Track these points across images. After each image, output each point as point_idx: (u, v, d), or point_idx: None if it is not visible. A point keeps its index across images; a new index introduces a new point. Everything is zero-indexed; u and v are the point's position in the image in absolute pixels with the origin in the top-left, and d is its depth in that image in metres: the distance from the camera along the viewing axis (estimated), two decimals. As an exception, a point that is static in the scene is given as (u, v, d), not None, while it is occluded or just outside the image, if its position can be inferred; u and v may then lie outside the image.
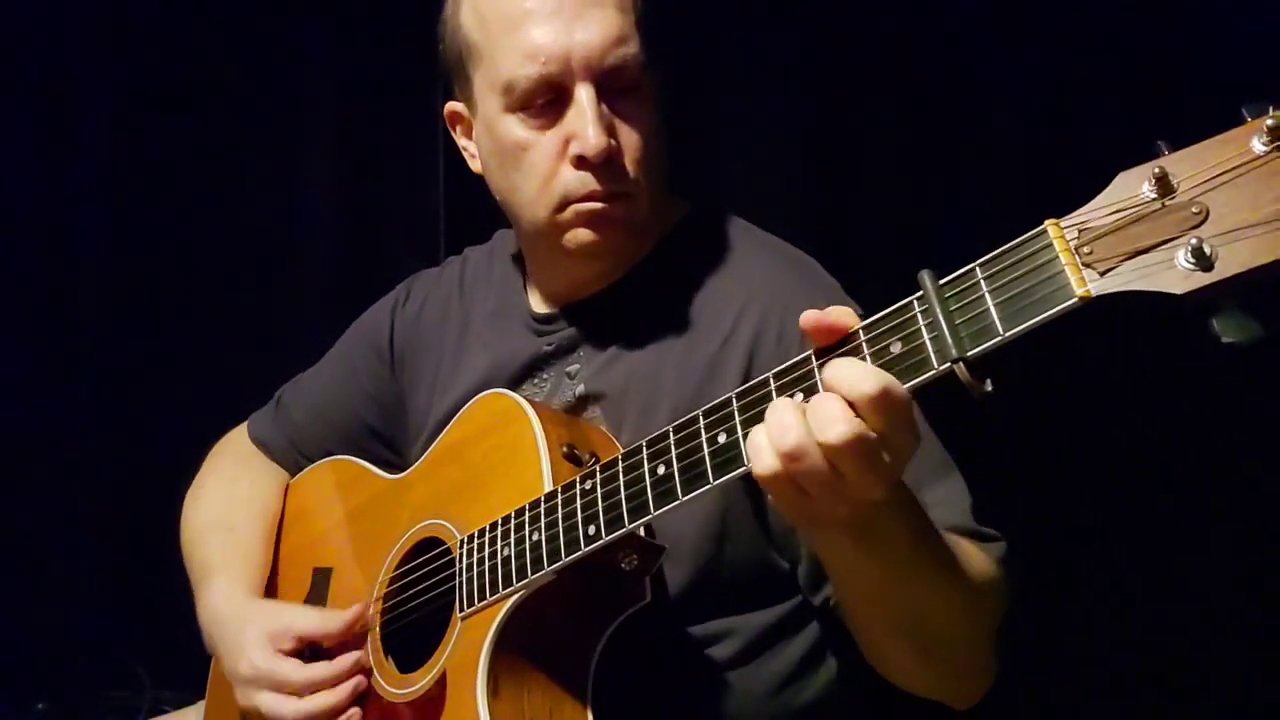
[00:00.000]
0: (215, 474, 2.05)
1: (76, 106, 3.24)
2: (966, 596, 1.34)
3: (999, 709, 1.49)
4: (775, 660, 1.61)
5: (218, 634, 1.76)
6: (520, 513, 1.47)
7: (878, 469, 1.09)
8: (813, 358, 1.17)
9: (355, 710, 1.62)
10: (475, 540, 1.53)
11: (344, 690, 1.62)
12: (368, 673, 1.65)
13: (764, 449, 1.12)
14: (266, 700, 1.64)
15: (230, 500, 1.97)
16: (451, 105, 1.76)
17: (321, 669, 1.63)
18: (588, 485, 1.39)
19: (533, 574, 1.42)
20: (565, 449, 1.51)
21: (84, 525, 3.22)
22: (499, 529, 1.49)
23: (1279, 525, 2.22)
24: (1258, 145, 0.94)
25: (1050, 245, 1.01)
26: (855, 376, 1.08)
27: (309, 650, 1.68)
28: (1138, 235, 0.97)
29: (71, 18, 3.21)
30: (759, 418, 1.15)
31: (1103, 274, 0.98)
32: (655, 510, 1.29)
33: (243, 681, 1.67)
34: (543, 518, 1.43)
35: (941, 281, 1.08)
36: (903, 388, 1.09)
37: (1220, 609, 2.27)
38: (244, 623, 1.72)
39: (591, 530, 1.36)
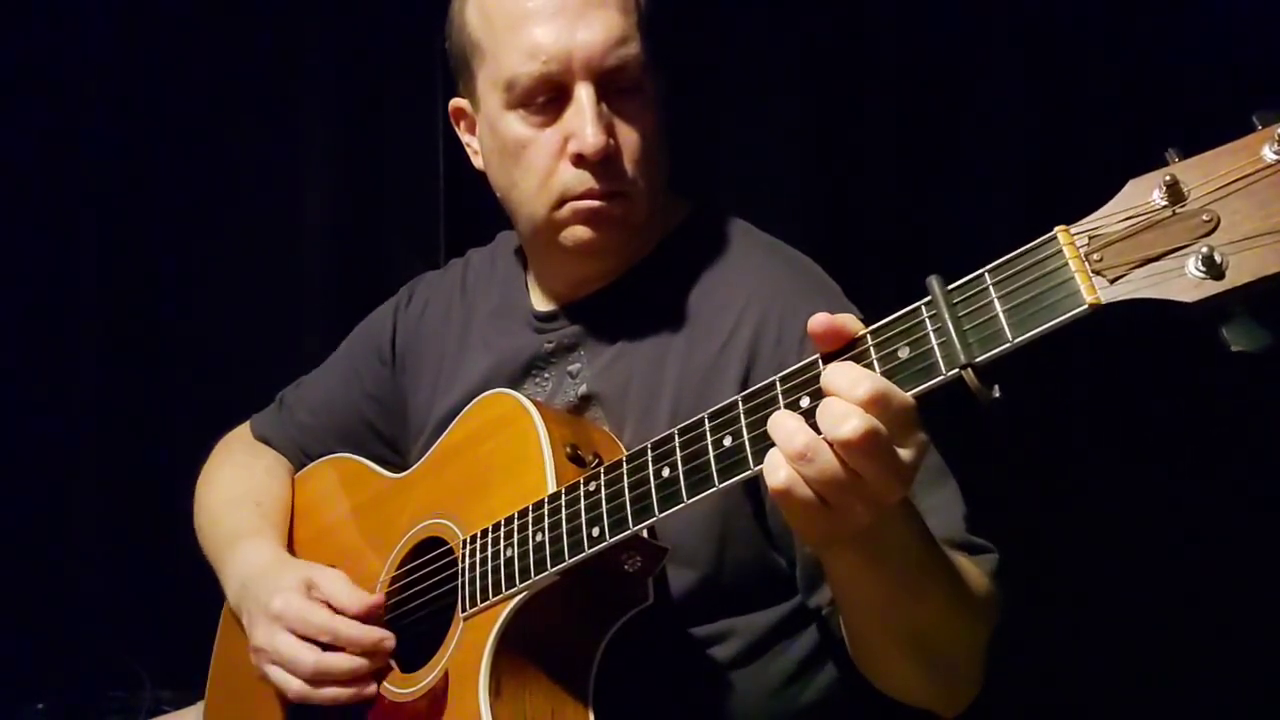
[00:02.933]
0: (228, 460, 2.05)
1: (76, 103, 3.23)
2: (965, 608, 1.35)
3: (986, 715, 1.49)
4: (777, 661, 1.61)
5: (253, 583, 1.72)
6: (524, 513, 1.47)
7: (896, 466, 1.09)
8: (820, 362, 1.16)
9: (372, 687, 1.59)
10: (478, 540, 1.53)
11: (366, 662, 1.57)
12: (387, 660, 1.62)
13: (776, 461, 1.11)
14: (287, 642, 1.59)
15: (250, 480, 1.97)
16: (456, 102, 1.78)
17: (351, 628, 1.58)
18: (592, 486, 1.39)
19: (536, 575, 1.42)
20: (569, 449, 1.51)
21: (84, 525, 3.21)
22: (502, 529, 1.49)
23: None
24: (1269, 153, 0.93)
25: (1060, 252, 1.01)
26: (850, 380, 1.08)
27: None
28: (1148, 243, 0.97)
29: (73, 13, 3.20)
30: (764, 421, 1.15)
31: (1113, 281, 0.98)
32: (660, 513, 1.29)
33: (269, 618, 1.62)
34: (546, 519, 1.43)
35: (950, 287, 1.08)
36: (899, 390, 1.09)
37: (1219, 620, 2.28)
38: (284, 570, 1.71)
39: (595, 532, 1.36)
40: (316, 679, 1.58)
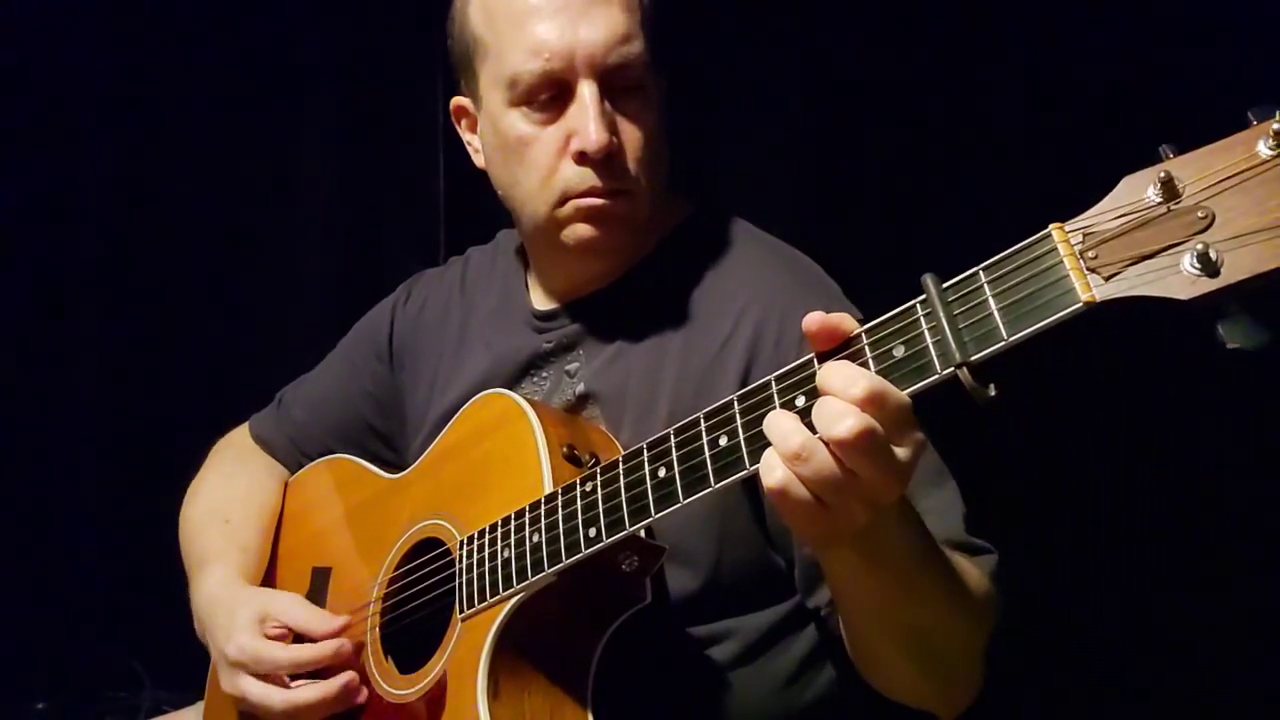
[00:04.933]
0: (215, 469, 2.05)
1: (76, 103, 3.23)
2: (964, 609, 1.34)
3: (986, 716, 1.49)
4: (776, 661, 1.61)
5: (209, 618, 1.74)
6: (520, 514, 1.47)
7: (892, 465, 1.09)
8: (815, 361, 1.16)
9: (360, 692, 1.62)
10: (475, 541, 1.53)
11: (335, 684, 1.61)
12: (360, 671, 1.64)
13: (772, 461, 1.11)
14: (253, 687, 1.62)
15: (229, 494, 1.97)
16: (457, 100, 1.78)
17: (308, 650, 1.62)
18: (588, 487, 1.39)
19: (533, 576, 1.42)
20: (566, 450, 1.51)
21: (84, 525, 3.22)
22: (499, 530, 1.49)
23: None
24: (1264, 149, 0.93)
25: (1055, 249, 1.00)
26: (846, 379, 1.07)
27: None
28: (1143, 240, 0.96)
29: (73, 16, 3.20)
30: (760, 421, 1.14)
31: (1107, 279, 0.97)
32: (656, 513, 1.29)
33: (229, 664, 1.65)
34: (543, 519, 1.43)
35: (945, 285, 1.07)
36: (895, 389, 1.08)
37: (1219, 621, 2.27)
38: (236, 606, 1.71)
39: (592, 532, 1.36)
40: (292, 715, 1.61)
